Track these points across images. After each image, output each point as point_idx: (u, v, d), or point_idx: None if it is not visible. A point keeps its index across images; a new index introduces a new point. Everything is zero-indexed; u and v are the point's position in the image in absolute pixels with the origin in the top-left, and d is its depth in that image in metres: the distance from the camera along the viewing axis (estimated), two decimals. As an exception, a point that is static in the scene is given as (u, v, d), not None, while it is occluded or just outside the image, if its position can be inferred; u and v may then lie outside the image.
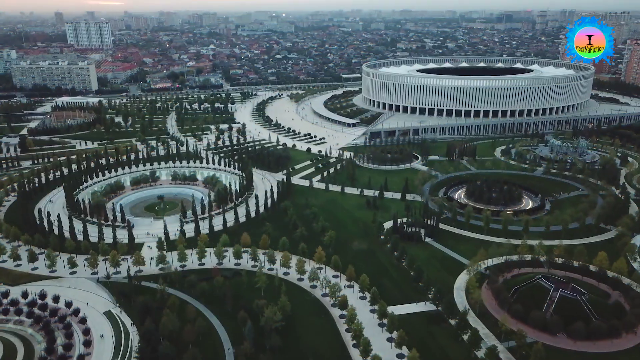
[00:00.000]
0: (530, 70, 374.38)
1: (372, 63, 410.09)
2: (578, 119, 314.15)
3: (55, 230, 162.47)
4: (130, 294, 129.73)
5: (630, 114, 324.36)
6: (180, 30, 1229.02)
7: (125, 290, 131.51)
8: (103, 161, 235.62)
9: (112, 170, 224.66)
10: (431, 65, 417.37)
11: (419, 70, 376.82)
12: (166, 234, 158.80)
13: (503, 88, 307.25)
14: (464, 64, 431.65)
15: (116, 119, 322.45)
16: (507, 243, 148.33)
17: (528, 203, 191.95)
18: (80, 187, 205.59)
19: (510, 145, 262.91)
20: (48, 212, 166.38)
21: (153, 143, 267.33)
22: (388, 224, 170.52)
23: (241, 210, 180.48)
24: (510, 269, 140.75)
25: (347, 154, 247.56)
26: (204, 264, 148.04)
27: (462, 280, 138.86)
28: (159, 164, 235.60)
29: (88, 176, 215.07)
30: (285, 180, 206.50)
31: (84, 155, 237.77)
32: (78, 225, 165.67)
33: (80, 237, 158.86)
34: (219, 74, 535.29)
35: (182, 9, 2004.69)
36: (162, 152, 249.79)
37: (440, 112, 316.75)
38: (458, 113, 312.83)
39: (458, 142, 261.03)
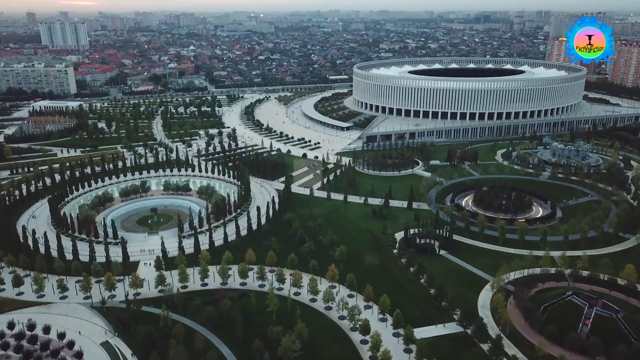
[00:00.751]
0: (522, 72, 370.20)
1: (362, 64, 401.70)
2: (573, 121, 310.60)
3: (41, 249, 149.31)
4: (130, 321, 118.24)
5: (623, 115, 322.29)
6: (157, 30, 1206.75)
7: (124, 317, 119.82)
8: (88, 170, 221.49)
9: (99, 180, 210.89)
10: (421, 67, 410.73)
11: (410, 72, 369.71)
12: (164, 251, 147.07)
13: (499, 90, 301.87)
14: (454, 65, 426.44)
15: (99, 125, 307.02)
16: (530, 255, 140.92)
17: (538, 210, 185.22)
18: (65, 199, 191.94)
19: (511, 149, 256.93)
20: (33, 230, 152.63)
21: (139, 150, 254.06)
22: (397, 235, 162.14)
23: (241, 223, 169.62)
24: (534, 284, 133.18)
25: (345, 160, 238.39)
26: (207, 284, 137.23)
27: (485, 296, 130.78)
28: (149, 172, 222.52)
29: (73, 187, 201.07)
30: (284, 189, 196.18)
31: (67, 164, 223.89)
32: (66, 242, 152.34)
33: (69, 256, 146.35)
34: (202, 76, 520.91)
35: (157, 9, 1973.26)
36: (150, 160, 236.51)
37: (435, 114, 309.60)
38: (453, 115, 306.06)
39: (458, 145, 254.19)
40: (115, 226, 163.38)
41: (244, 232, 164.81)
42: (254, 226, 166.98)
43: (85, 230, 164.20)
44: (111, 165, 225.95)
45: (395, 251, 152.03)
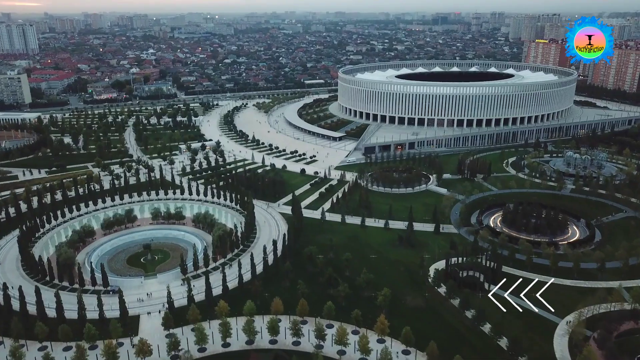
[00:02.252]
0: (511, 75, 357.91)
1: (347, 69, 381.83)
2: (570, 126, 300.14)
3: (15, 305, 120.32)
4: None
5: (617, 119, 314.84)
6: (110, 33, 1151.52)
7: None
8: (59, 196, 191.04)
9: (74, 208, 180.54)
10: (404, 71, 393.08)
11: (397, 77, 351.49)
12: (171, 302, 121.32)
13: (499, 95, 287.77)
14: (438, 69, 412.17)
15: (64, 140, 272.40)
16: (602, 290, 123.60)
17: (575, 230, 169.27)
18: (36, 234, 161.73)
19: (519, 157, 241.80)
20: (4, 284, 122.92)
21: (115, 169, 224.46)
22: (434, 267, 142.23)
23: (248, 259, 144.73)
24: (613, 326, 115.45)
25: (348, 175, 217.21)
26: (229, 344, 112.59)
27: (560, 344, 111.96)
28: (131, 197, 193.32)
29: (44, 218, 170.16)
30: (295, 215, 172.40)
31: (34, 189, 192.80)
32: (45, 294, 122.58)
33: (50, 313, 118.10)
34: (169, 82, 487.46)
35: (107, 11, 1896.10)
36: (131, 181, 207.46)
37: (430, 122, 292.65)
38: (450, 123, 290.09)
39: (466, 155, 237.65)
40: (106, 271, 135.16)
41: (258, 269, 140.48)
42: (270, 260, 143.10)
43: (66, 277, 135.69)
44: (85, 189, 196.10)
45: (443, 291, 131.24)
